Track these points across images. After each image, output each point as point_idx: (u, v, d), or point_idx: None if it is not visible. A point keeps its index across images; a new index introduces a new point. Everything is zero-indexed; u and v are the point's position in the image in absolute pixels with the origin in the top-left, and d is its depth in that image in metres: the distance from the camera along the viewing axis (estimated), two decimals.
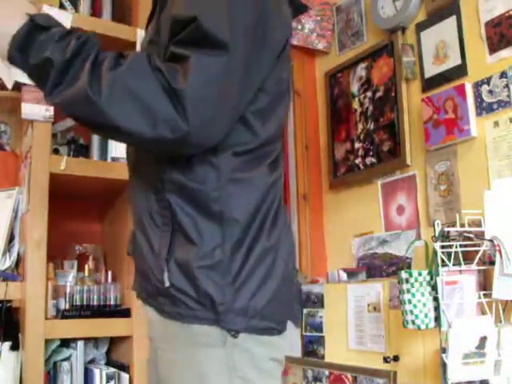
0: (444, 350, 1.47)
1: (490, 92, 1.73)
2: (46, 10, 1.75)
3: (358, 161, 2.22)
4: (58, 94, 0.81)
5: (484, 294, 1.55)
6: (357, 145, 2.24)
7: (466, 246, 1.57)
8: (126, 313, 1.82)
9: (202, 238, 0.90)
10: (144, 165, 0.98)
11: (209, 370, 0.90)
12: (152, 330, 0.99)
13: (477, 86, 1.78)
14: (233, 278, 0.91)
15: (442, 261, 1.53)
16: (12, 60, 0.84)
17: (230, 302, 0.90)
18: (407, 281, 1.57)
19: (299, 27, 2.41)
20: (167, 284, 0.90)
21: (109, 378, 1.78)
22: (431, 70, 1.95)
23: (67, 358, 1.79)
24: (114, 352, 1.95)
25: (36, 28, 0.82)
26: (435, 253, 1.54)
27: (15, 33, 0.82)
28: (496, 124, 1.71)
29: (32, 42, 0.81)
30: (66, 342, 1.80)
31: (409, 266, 1.87)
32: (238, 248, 0.92)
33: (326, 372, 2.12)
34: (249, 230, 0.93)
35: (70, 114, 0.86)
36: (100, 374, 1.77)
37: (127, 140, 0.90)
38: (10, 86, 0.90)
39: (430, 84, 1.95)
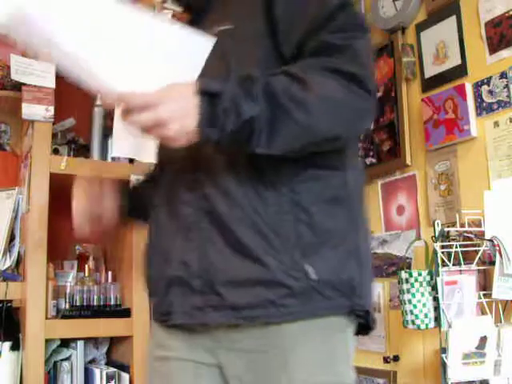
0: (444, 350, 1.47)
1: (490, 92, 1.73)
2: None
3: None
4: (271, 142, 0.80)
5: (484, 294, 1.55)
6: None
7: (465, 246, 1.57)
8: (125, 313, 1.82)
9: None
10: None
11: (338, 356, 0.90)
12: (236, 346, 0.91)
13: (477, 86, 1.78)
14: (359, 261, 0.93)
15: (442, 261, 1.53)
16: (206, 138, 0.79)
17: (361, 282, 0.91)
18: (407, 281, 1.57)
19: None
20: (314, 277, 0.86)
21: (109, 377, 1.77)
22: (431, 70, 1.95)
23: (67, 358, 1.79)
24: (114, 352, 1.95)
25: (211, 98, 0.78)
26: (435, 253, 1.54)
27: (198, 114, 0.77)
28: (496, 124, 1.71)
29: (218, 113, 0.78)
30: (66, 342, 1.80)
31: (409, 266, 1.87)
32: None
33: None
34: None
35: (291, 149, 0.84)
36: (100, 374, 1.77)
37: (343, 143, 0.90)
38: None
39: (429, 84, 1.95)
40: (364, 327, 0.95)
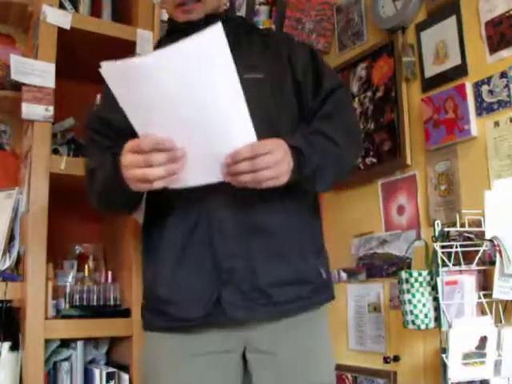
0: (444, 350, 1.47)
1: (491, 92, 1.73)
2: (46, 9, 1.75)
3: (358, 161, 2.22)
4: (323, 184, 1.18)
5: (484, 295, 1.55)
6: None
7: (466, 246, 1.57)
8: (125, 313, 1.82)
9: None
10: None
11: (328, 336, 1.27)
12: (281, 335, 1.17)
13: (477, 85, 1.77)
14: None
15: (442, 261, 1.53)
16: (290, 180, 1.08)
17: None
18: (407, 281, 1.57)
19: (299, 27, 2.40)
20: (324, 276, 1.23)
21: (109, 377, 1.77)
22: (431, 70, 1.95)
23: (67, 358, 1.79)
24: (114, 352, 1.95)
25: (295, 151, 1.08)
26: (435, 253, 1.54)
27: (291, 162, 1.07)
28: (496, 124, 1.71)
29: (301, 162, 1.09)
30: (65, 343, 1.80)
31: (409, 266, 1.87)
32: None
33: None
34: None
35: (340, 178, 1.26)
36: (100, 374, 1.77)
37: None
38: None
39: (430, 84, 1.95)
40: None
